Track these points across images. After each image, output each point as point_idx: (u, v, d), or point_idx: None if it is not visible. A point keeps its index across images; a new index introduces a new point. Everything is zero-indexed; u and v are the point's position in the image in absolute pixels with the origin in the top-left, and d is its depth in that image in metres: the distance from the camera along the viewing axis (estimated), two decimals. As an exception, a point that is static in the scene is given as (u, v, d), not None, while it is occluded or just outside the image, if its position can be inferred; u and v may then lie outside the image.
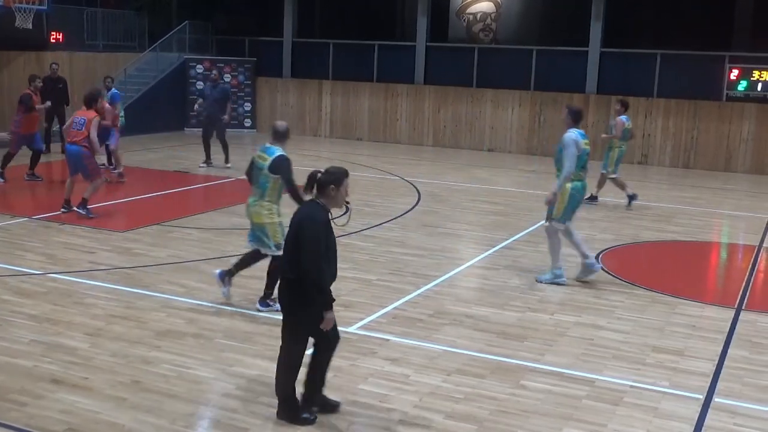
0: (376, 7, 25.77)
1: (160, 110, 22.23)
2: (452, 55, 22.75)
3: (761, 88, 19.14)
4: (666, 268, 10.25)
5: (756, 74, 19.20)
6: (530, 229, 11.73)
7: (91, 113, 11.17)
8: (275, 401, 5.62)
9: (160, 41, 22.84)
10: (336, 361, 6.37)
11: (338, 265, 9.11)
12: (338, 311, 7.60)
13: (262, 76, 23.99)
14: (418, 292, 8.42)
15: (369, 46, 23.33)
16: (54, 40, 20.88)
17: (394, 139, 22.54)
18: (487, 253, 10.26)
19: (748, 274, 9.89)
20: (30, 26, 17.74)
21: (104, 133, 13.57)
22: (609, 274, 9.44)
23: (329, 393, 5.79)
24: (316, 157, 18.97)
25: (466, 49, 22.52)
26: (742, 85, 19.28)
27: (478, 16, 23.24)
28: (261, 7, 25.05)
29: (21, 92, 14.34)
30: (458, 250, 10.64)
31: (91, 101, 11.37)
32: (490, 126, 21.69)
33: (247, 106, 23.77)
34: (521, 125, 21.37)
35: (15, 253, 9.36)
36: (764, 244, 11.44)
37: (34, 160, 14.32)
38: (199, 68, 23.43)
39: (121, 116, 15.13)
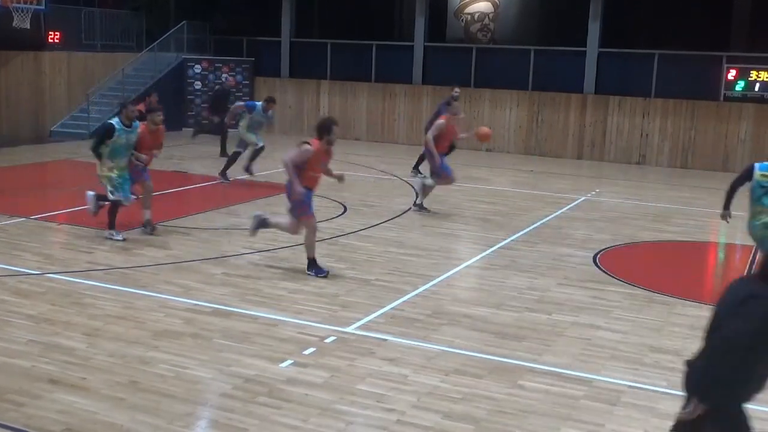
0: (374, 7, 25.79)
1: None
2: (450, 55, 22.76)
3: (759, 89, 19.16)
4: (664, 269, 10.26)
5: (754, 74, 19.22)
6: (528, 229, 11.73)
7: (315, 143, 8.64)
8: (273, 401, 5.63)
9: (158, 41, 22.83)
10: (334, 361, 6.39)
11: (335, 265, 9.23)
12: (336, 311, 7.64)
13: (260, 76, 23.99)
14: (416, 292, 8.42)
15: (367, 46, 23.34)
16: (52, 40, 20.88)
17: (392, 139, 22.54)
18: (485, 253, 10.26)
19: (745, 274, 9.88)
20: (27, 26, 17.76)
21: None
22: (607, 274, 9.45)
23: (326, 393, 5.80)
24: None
25: (464, 49, 22.54)
26: (740, 86, 19.30)
27: (476, 16, 23.26)
28: (259, 7, 25.05)
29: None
30: (456, 250, 10.64)
31: (321, 131, 8.75)
32: (487, 126, 21.64)
33: (245, 106, 23.74)
34: (519, 125, 21.38)
35: (12, 253, 9.35)
36: (762, 244, 11.44)
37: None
38: (197, 68, 23.42)
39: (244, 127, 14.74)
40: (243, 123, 14.66)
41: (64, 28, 21.15)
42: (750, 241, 11.55)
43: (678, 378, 6.34)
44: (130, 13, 23.47)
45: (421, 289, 8.52)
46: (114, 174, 9.98)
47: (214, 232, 10.78)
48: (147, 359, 6.32)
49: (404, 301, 8.08)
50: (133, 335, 6.83)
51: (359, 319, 7.44)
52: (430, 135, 12.08)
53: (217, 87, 19.91)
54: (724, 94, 19.52)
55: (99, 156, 9.96)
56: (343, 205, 12.92)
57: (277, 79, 24.00)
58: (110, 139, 9.84)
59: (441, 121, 12.27)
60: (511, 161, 19.93)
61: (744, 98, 19.29)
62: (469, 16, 23.35)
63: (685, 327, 7.64)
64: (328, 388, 5.90)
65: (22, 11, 17.50)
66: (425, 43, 22.66)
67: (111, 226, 10.15)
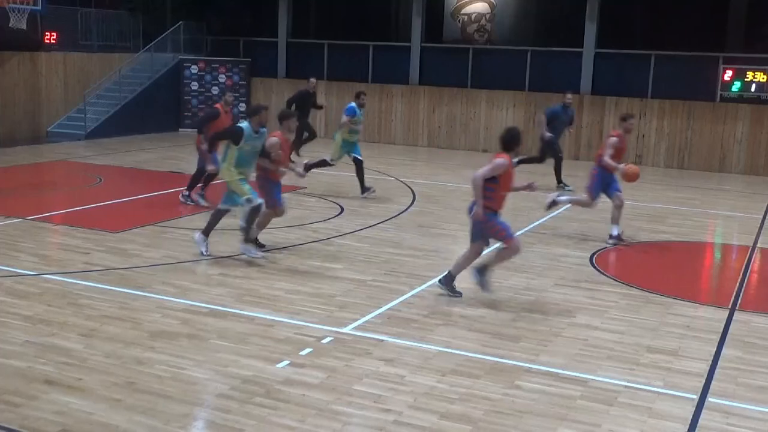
0: (370, 7, 25.78)
1: (154, 111, 22.22)
2: (447, 55, 22.78)
3: (755, 89, 19.20)
4: (660, 269, 10.26)
5: (750, 75, 19.25)
6: (525, 229, 11.73)
7: (506, 157, 7.92)
8: (270, 402, 5.63)
9: (154, 42, 22.82)
10: (331, 362, 6.40)
11: (332, 265, 9.23)
12: (332, 312, 7.64)
13: (256, 76, 23.99)
14: (413, 292, 8.42)
15: (364, 46, 23.35)
16: (48, 41, 20.86)
17: (388, 140, 22.54)
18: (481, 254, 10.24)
19: (741, 274, 9.92)
20: (24, 27, 17.73)
21: (605, 178, 11.00)
22: (603, 274, 9.46)
23: (323, 394, 5.80)
24: (313, 158, 18.95)
25: (460, 50, 22.56)
26: (736, 86, 19.34)
27: (473, 16, 23.26)
28: (255, 8, 25.05)
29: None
30: (453, 251, 10.61)
31: (512, 143, 8.04)
32: (484, 127, 21.72)
33: (242, 107, 23.73)
34: (516, 125, 21.37)
35: (9, 254, 9.34)
36: (758, 245, 11.46)
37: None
38: (194, 69, 23.41)
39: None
40: (343, 130, 14.01)
41: (61, 29, 21.13)
42: (745, 242, 11.60)
43: (675, 379, 6.37)
44: (126, 14, 23.46)
45: (417, 290, 8.52)
46: (243, 177, 9.21)
47: (211, 233, 10.73)
48: (143, 360, 6.32)
49: (401, 302, 8.08)
50: (129, 336, 6.83)
51: (356, 320, 7.44)
52: (607, 158, 10.87)
53: (301, 90, 18.19)
54: (721, 94, 19.56)
55: (224, 158, 9.15)
56: (339, 205, 12.92)
57: (274, 80, 23.99)
58: (237, 143, 9.05)
59: (614, 138, 11.11)
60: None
61: (740, 99, 19.32)
62: (465, 17, 23.36)
63: (681, 327, 7.65)
64: (325, 388, 5.90)
65: (19, 12, 17.47)
66: (422, 44, 22.68)
67: (248, 239, 9.34)
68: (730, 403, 5.97)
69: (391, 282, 8.76)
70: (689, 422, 5.64)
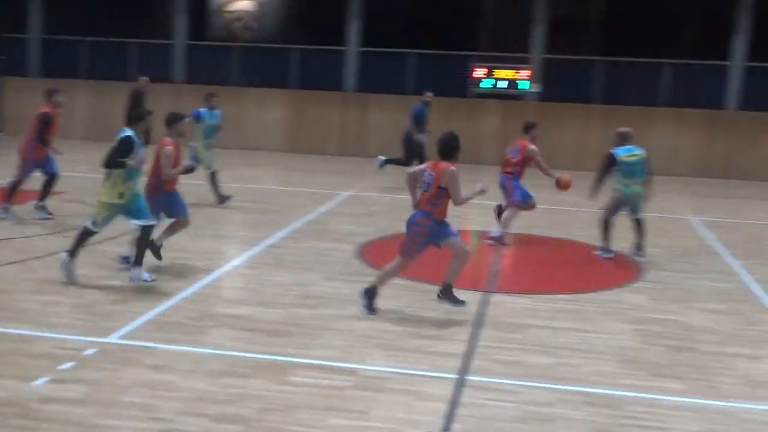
0: (132, 2, 24.82)
1: None
2: (213, 53, 22.47)
3: (503, 86, 20.74)
4: (424, 258, 10.76)
5: (499, 73, 20.76)
6: (294, 226, 11.86)
7: (443, 166, 7.99)
8: (28, 422, 5.27)
9: None
10: (94, 374, 6.10)
11: (95, 273, 8.77)
12: (96, 321, 7.29)
13: (8, 75, 22.29)
14: (182, 295, 8.24)
15: (126, 44, 22.44)
16: None
17: (153, 141, 21.78)
18: (251, 253, 10.25)
19: (495, 258, 10.68)
20: None
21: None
22: (371, 266, 9.78)
23: (86, 408, 5.53)
24: (72, 161, 17.92)
25: (227, 48, 22.34)
26: (487, 83, 20.77)
27: (238, 14, 23.12)
28: (6, 1, 23.24)
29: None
30: (222, 252, 10.53)
31: (454, 150, 8.33)
32: (254, 124, 21.66)
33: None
34: (284, 123, 21.54)
35: None
36: (510, 231, 12.37)
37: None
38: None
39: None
40: (197, 136, 13.10)
41: None
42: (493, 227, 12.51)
43: (438, 360, 6.73)
44: None
45: (187, 293, 8.35)
46: (121, 201, 8.24)
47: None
48: None
49: (170, 306, 7.87)
50: None
51: (122, 328, 7.15)
52: (544, 165, 11.56)
53: (133, 91, 16.69)
54: (473, 91, 20.91)
55: (111, 173, 8.10)
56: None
57: (27, 79, 22.41)
58: (130, 153, 8.07)
59: (534, 147, 11.67)
60: (276, 159, 20.02)
61: (491, 95, 20.79)
62: (230, 14, 23.15)
63: (442, 312, 8.10)
64: (89, 402, 5.62)
65: None
66: (187, 41, 22.18)
67: (139, 261, 8.31)
68: (488, 380, 6.40)
69: (159, 286, 8.49)
70: (452, 401, 5.99)
